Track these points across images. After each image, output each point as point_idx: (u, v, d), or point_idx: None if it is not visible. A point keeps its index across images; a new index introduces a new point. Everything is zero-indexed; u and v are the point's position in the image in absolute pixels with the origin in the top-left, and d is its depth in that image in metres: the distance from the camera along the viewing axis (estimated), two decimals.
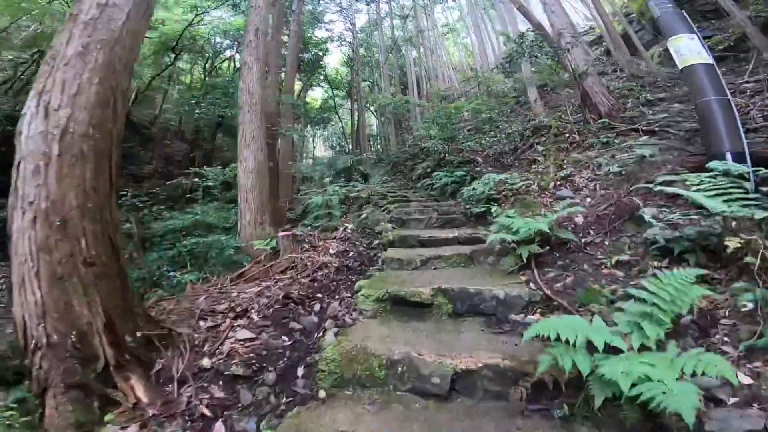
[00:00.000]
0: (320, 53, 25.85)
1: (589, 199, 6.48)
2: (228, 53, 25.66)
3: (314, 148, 38.90)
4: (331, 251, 6.38)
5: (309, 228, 8.11)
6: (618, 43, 15.59)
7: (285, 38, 21.69)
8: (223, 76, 25.57)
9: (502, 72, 9.66)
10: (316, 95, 33.71)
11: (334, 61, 37.95)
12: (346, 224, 8.17)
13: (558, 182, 7.56)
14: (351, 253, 6.46)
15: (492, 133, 12.03)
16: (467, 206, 8.28)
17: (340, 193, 12.50)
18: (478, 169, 10.54)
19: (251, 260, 7.23)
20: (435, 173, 11.58)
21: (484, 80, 16.21)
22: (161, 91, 26.84)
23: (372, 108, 24.35)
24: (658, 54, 15.68)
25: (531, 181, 7.83)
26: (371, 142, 26.24)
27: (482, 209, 7.73)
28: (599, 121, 9.03)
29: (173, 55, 21.54)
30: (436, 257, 5.82)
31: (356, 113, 25.27)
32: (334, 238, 7.16)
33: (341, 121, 28.73)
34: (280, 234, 6.44)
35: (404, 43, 25.19)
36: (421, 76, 28.69)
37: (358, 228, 7.99)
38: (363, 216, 8.11)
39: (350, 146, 26.64)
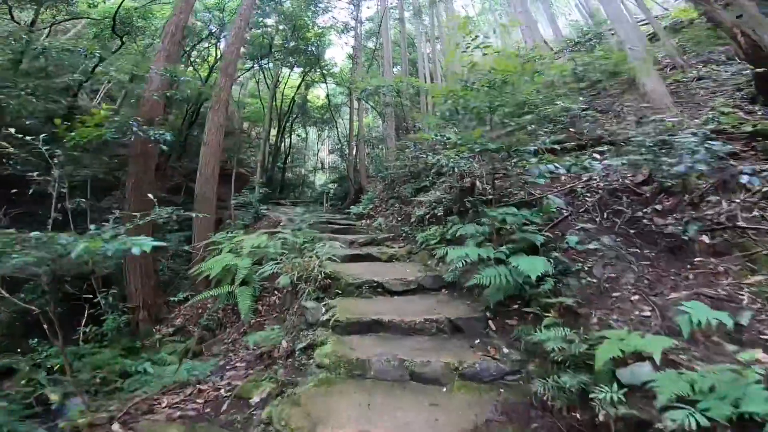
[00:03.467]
0: (320, 44, 18.98)
1: None
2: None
3: (318, 150, 32.10)
4: None
5: None
6: None
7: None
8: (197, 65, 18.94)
9: None
10: (321, 93, 26.91)
11: (341, 57, 31.05)
12: None
13: None
14: None
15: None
16: None
17: (271, 250, 5.71)
18: (577, 242, 3.48)
19: None
20: (457, 229, 4.66)
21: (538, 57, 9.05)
22: (116, 82, 20.51)
23: (374, 106, 17.61)
24: None
25: None
26: (371, 148, 19.41)
27: None
28: None
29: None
30: None
31: (355, 113, 18.47)
32: None
33: (336, 122, 21.79)
34: None
35: (412, 18, 18.08)
36: (435, 74, 21.40)
37: None
38: None
39: (348, 151, 19.80)
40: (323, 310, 3.83)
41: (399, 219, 7.46)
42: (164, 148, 5.90)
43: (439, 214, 5.72)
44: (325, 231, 7.27)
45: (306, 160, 31.51)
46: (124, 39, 14.50)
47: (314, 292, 4.31)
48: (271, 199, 19.87)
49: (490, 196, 4.69)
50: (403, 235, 6.81)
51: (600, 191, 4.23)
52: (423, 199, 6.24)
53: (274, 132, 23.88)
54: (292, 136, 27.52)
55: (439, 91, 4.39)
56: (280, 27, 18.10)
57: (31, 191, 4.42)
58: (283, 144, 25.38)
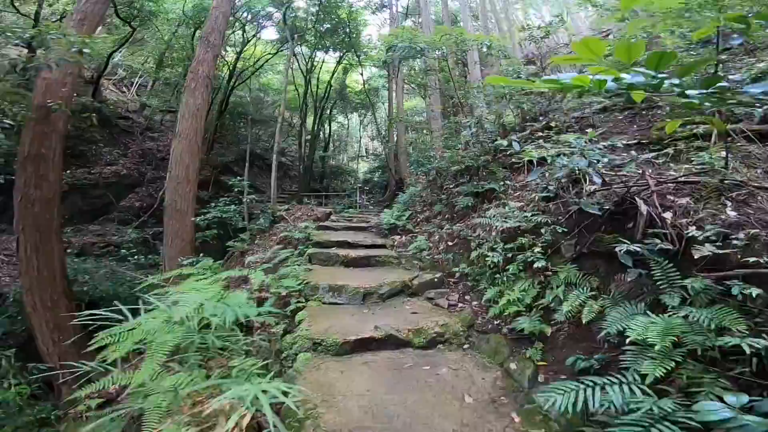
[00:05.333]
0: (354, 23, 15.85)
1: None
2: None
3: (360, 137, 29.29)
4: None
5: None
6: None
7: None
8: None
9: None
10: (360, 78, 23.72)
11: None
12: None
13: None
14: None
15: None
16: None
17: (216, 319, 2.95)
18: None
19: None
20: (578, 304, 1.66)
21: None
22: (148, 71, 18.78)
23: (412, 80, 14.43)
24: None
25: None
26: (414, 133, 16.22)
27: None
28: None
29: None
30: None
31: (393, 94, 15.34)
32: None
33: (374, 106, 18.64)
34: None
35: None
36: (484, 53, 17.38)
37: None
38: None
39: (388, 137, 16.77)
40: None
41: (450, 243, 4.46)
42: None
43: (532, 259, 2.68)
44: (332, 261, 4.47)
45: (348, 147, 28.98)
46: (133, 24, 12.39)
47: None
48: (306, 191, 17.48)
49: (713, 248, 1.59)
50: (457, 274, 3.84)
51: None
52: (496, 223, 3.18)
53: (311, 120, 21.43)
54: (332, 124, 24.97)
55: None
56: (311, 9, 15.24)
57: None
58: (322, 131, 22.91)
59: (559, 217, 2.82)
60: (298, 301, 3.49)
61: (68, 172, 12.62)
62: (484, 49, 5.79)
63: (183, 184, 5.42)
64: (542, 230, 2.72)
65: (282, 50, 16.94)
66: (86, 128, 13.76)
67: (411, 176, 13.17)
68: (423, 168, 6.18)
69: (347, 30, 15.74)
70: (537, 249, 2.66)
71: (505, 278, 3.06)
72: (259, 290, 3.41)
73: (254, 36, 16.74)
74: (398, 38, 5.70)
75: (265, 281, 3.34)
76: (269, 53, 17.23)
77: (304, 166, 19.65)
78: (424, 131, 16.11)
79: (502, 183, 4.15)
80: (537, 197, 3.16)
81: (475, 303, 3.43)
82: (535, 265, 2.58)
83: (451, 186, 6.31)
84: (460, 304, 3.49)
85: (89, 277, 6.02)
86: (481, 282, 3.44)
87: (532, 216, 2.89)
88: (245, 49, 16.46)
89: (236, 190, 6.16)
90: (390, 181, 15.40)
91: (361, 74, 16.57)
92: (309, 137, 21.01)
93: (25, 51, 9.63)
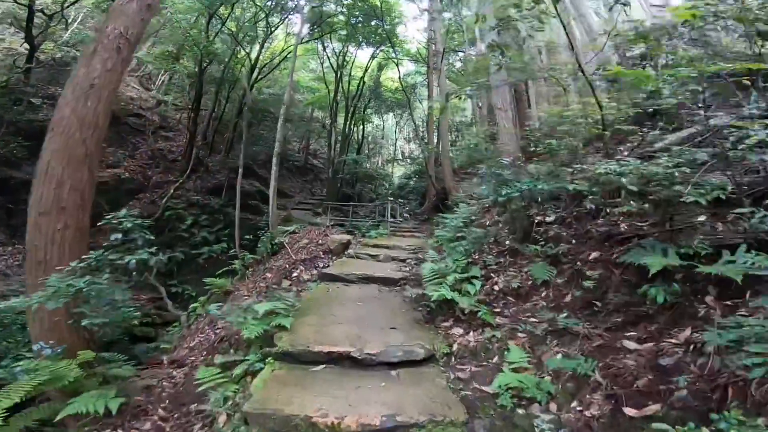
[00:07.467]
0: (388, 13, 12.76)
1: None
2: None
3: (396, 139, 26.23)
4: None
5: None
6: None
7: None
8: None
9: None
10: (396, 75, 20.30)
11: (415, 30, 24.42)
12: None
13: None
14: None
15: None
16: None
17: None
18: None
19: None
20: None
21: None
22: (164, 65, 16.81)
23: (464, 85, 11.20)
24: None
25: None
26: (459, 135, 12.90)
27: None
28: None
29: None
30: None
31: (434, 88, 12.23)
32: None
33: (411, 105, 15.20)
34: None
35: None
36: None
37: None
38: None
39: (427, 139, 13.62)
40: None
41: (632, 414, 1.42)
42: None
43: None
44: None
45: (383, 150, 26.00)
46: None
47: None
48: (334, 197, 14.73)
49: None
50: None
51: None
52: None
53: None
54: (366, 125, 22.04)
55: None
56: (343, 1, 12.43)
57: None
58: (354, 132, 20.07)
59: None
60: None
61: None
62: None
63: (51, 217, 2.76)
64: None
65: (306, 41, 14.31)
66: None
67: (460, 181, 10.08)
68: (504, 194, 3.10)
69: (383, 23, 12.71)
70: None
71: None
72: None
73: (277, 27, 14.18)
74: None
75: None
76: (292, 45, 14.65)
77: (332, 169, 16.82)
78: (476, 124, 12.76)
79: None
80: None
81: None
82: None
83: (552, 222, 3.20)
84: None
85: None
86: None
87: None
88: (266, 40, 14.03)
89: (114, 239, 3.19)
90: (429, 190, 12.20)
91: (396, 64, 13.50)
92: (340, 138, 18.23)
93: None
